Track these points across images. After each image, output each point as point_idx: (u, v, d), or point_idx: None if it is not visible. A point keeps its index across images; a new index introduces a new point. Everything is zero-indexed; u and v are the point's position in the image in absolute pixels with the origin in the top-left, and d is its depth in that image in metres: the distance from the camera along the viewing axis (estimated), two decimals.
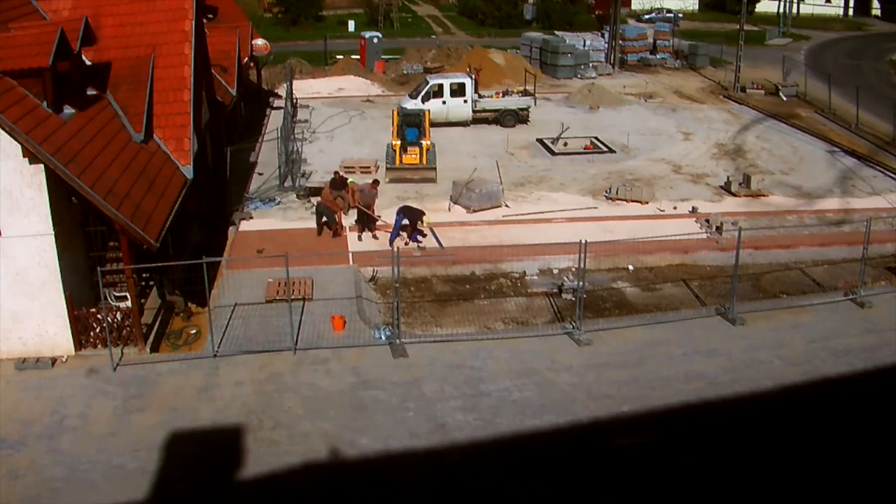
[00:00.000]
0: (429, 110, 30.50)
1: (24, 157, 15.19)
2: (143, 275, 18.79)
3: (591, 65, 49.72)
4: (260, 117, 38.42)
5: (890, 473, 13.60)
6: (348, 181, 24.56)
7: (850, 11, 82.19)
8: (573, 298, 19.74)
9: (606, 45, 52.09)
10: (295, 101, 39.24)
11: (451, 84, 35.89)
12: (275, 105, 39.98)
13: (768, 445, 14.21)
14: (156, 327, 17.88)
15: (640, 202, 26.37)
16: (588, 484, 13.40)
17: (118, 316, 16.88)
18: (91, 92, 18.79)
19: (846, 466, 13.71)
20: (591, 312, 19.58)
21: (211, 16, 34.39)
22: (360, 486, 13.25)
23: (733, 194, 27.33)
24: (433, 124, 35.42)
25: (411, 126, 28.84)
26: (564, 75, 47.90)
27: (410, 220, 22.60)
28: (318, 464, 13.74)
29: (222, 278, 20.27)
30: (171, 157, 19.62)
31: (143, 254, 17.10)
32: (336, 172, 25.79)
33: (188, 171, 19.67)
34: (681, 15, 63.55)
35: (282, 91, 40.30)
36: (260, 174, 29.42)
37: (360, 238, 23.27)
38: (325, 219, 23.54)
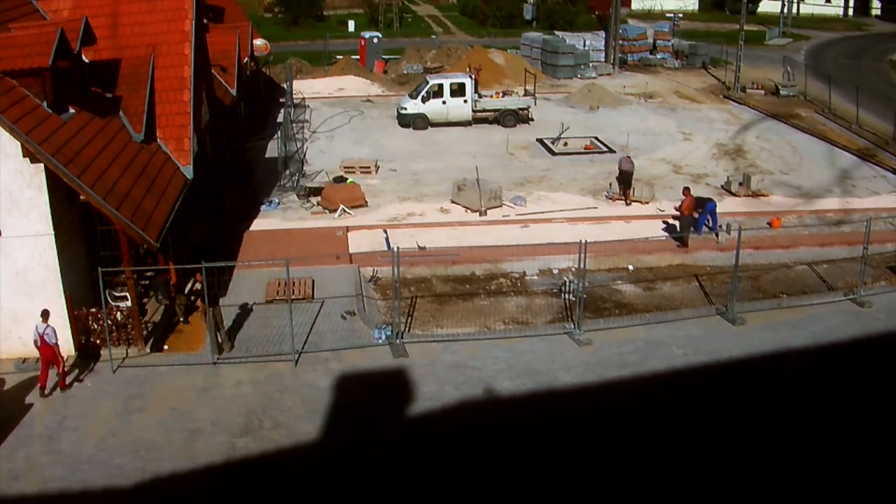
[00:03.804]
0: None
1: (24, 156, 15.20)
2: (147, 274, 18.78)
3: (591, 65, 49.68)
4: (264, 115, 38.43)
5: (890, 474, 13.60)
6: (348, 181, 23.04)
7: (850, 11, 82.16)
8: (573, 298, 19.74)
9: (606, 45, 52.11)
10: (302, 99, 39.36)
11: (451, 84, 35.89)
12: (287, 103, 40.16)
13: (767, 445, 14.21)
14: (157, 328, 17.87)
15: (640, 202, 26.37)
16: (588, 483, 13.39)
17: (118, 316, 16.87)
18: (91, 92, 18.79)
19: (846, 466, 13.70)
20: (591, 312, 19.58)
21: (211, 14, 34.37)
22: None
23: (733, 194, 27.33)
24: (433, 124, 35.59)
25: None
26: (564, 75, 47.87)
27: None
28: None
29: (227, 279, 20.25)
30: (171, 157, 19.63)
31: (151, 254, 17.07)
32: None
33: (188, 171, 19.69)
34: (681, 15, 63.44)
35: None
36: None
37: None
38: None
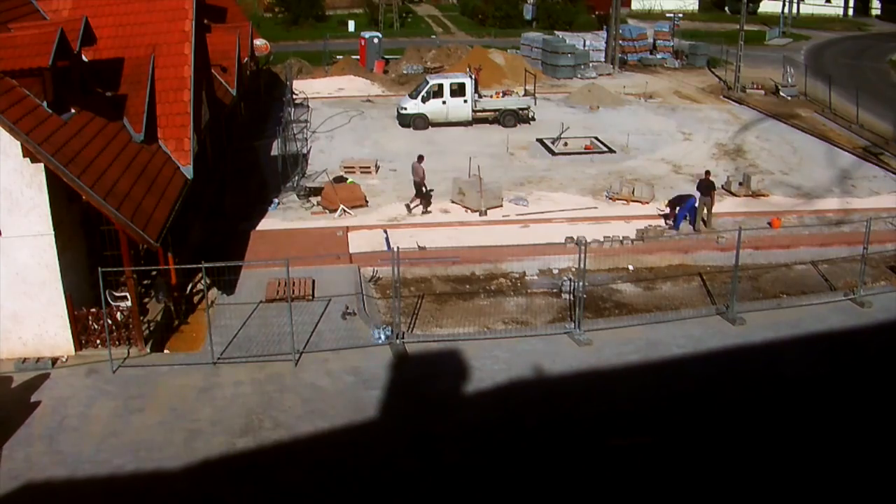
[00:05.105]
0: None
1: (24, 156, 15.20)
2: (153, 273, 18.76)
3: (591, 65, 49.67)
4: (264, 115, 38.42)
5: (890, 473, 13.60)
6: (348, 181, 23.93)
7: (850, 11, 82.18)
8: (573, 298, 19.73)
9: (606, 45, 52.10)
10: (304, 99, 39.34)
11: (451, 84, 35.88)
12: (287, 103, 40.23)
13: (767, 445, 14.21)
14: (157, 328, 17.87)
15: (640, 202, 26.38)
16: (587, 484, 13.39)
17: (119, 316, 16.87)
18: (91, 92, 18.79)
19: (846, 466, 13.70)
20: (591, 312, 19.58)
21: (211, 14, 34.36)
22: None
23: (733, 194, 27.33)
24: (433, 124, 35.59)
25: None
26: (564, 75, 47.86)
27: None
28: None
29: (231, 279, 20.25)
30: (171, 157, 19.64)
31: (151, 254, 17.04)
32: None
33: (188, 171, 19.69)
34: (681, 15, 63.45)
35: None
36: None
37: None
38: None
